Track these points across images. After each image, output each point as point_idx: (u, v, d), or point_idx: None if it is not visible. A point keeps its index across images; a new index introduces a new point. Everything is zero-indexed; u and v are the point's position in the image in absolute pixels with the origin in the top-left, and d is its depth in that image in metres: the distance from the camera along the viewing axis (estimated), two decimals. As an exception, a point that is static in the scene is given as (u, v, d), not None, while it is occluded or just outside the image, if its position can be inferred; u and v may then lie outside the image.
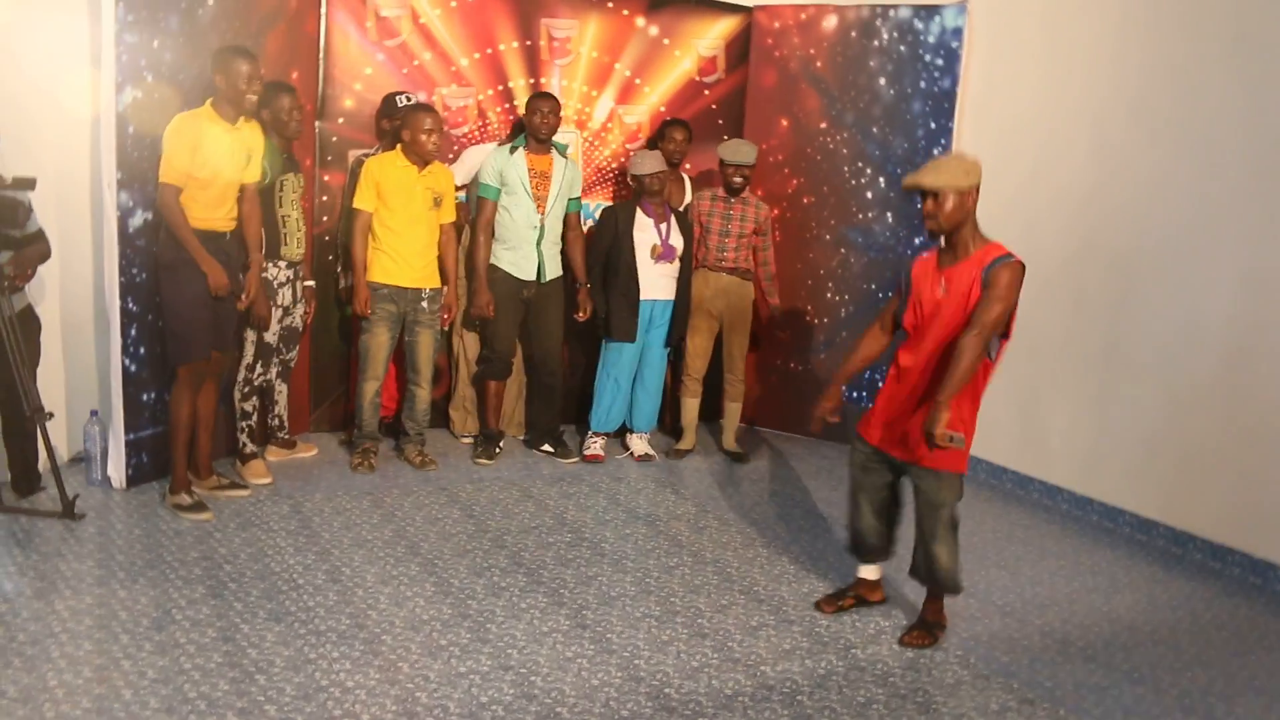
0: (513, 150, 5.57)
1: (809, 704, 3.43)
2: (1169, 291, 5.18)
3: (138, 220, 4.67)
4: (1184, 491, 5.14)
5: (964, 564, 4.75)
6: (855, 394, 6.52)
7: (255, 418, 5.26)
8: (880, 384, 4.03)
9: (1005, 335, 3.70)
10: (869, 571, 4.21)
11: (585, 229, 6.18)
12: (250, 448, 5.24)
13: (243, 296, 4.80)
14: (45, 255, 4.58)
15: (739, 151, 5.89)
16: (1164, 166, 5.20)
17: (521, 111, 6.07)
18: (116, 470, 4.86)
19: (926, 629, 3.96)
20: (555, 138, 5.69)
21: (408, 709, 3.20)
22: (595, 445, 6.05)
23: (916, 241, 6.18)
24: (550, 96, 5.62)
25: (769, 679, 3.58)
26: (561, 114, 5.69)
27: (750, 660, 3.71)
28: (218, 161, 4.48)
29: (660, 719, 3.26)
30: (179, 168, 4.40)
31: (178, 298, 4.52)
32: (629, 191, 6.06)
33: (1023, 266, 3.61)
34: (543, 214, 5.63)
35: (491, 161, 5.58)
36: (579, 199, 5.82)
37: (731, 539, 4.93)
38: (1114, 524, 5.49)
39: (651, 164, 5.73)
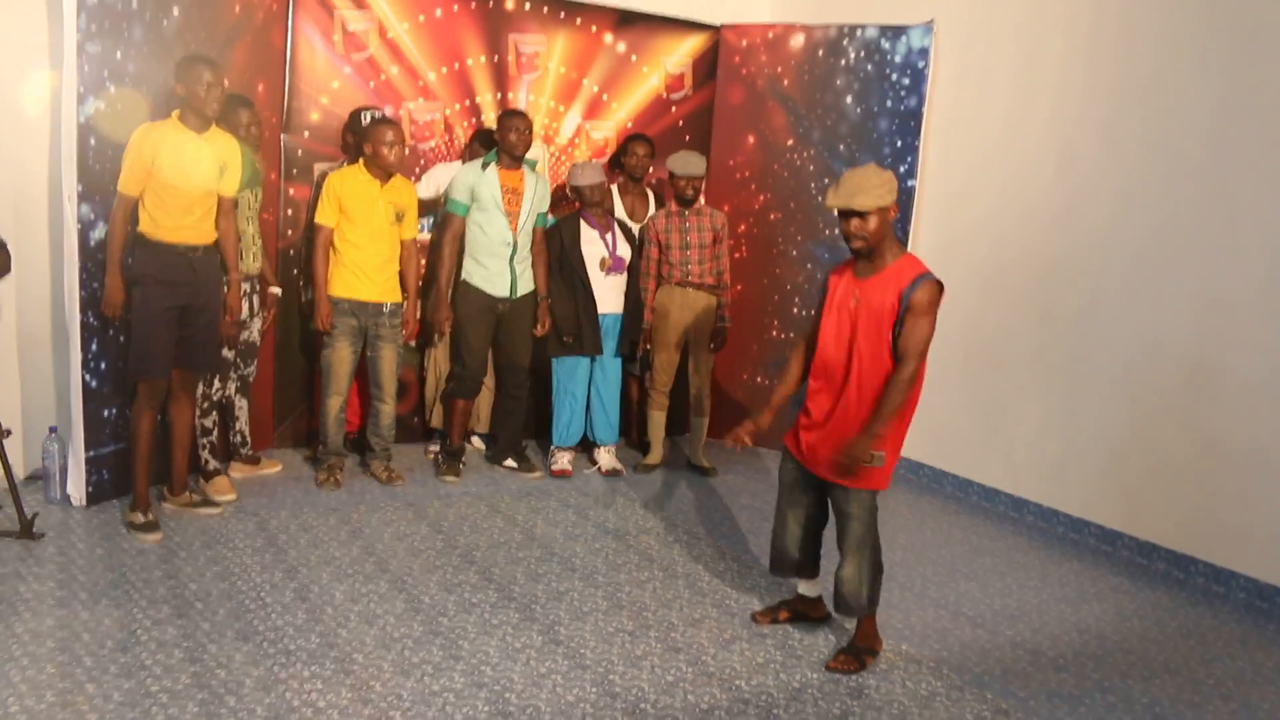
0: (484, 166, 5.54)
1: (785, 717, 3.42)
2: (1133, 307, 5.25)
3: (99, 233, 4.59)
4: (1148, 503, 5.20)
5: (925, 579, 4.80)
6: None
7: (216, 433, 5.18)
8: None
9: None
10: (807, 588, 4.14)
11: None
12: (213, 464, 5.16)
13: (226, 317, 4.80)
14: (3, 269, 4.47)
15: (689, 163, 5.90)
16: (1129, 185, 5.27)
17: (488, 125, 6.06)
18: (76, 488, 4.76)
19: (854, 654, 3.84)
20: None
21: (382, 728, 3.15)
22: (562, 460, 6.02)
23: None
24: (523, 114, 5.59)
25: (744, 693, 3.57)
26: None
27: (725, 674, 3.69)
28: (181, 170, 4.40)
29: (637, 735, 3.24)
30: (134, 177, 4.36)
31: (142, 313, 4.46)
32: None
33: (941, 286, 3.61)
34: (515, 231, 5.61)
35: (463, 178, 5.54)
36: (546, 214, 5.81)
37: (702, 552, 4.91)
38: (1080, 535, 5.54)
39: (590, 175, 5.73)
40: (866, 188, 3.56)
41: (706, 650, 3.87)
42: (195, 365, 4.70)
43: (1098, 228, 5.41)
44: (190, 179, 4.45)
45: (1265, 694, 3.90)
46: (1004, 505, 5.97)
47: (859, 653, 3.85)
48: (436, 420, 6.20)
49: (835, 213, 3.69)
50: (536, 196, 5.66)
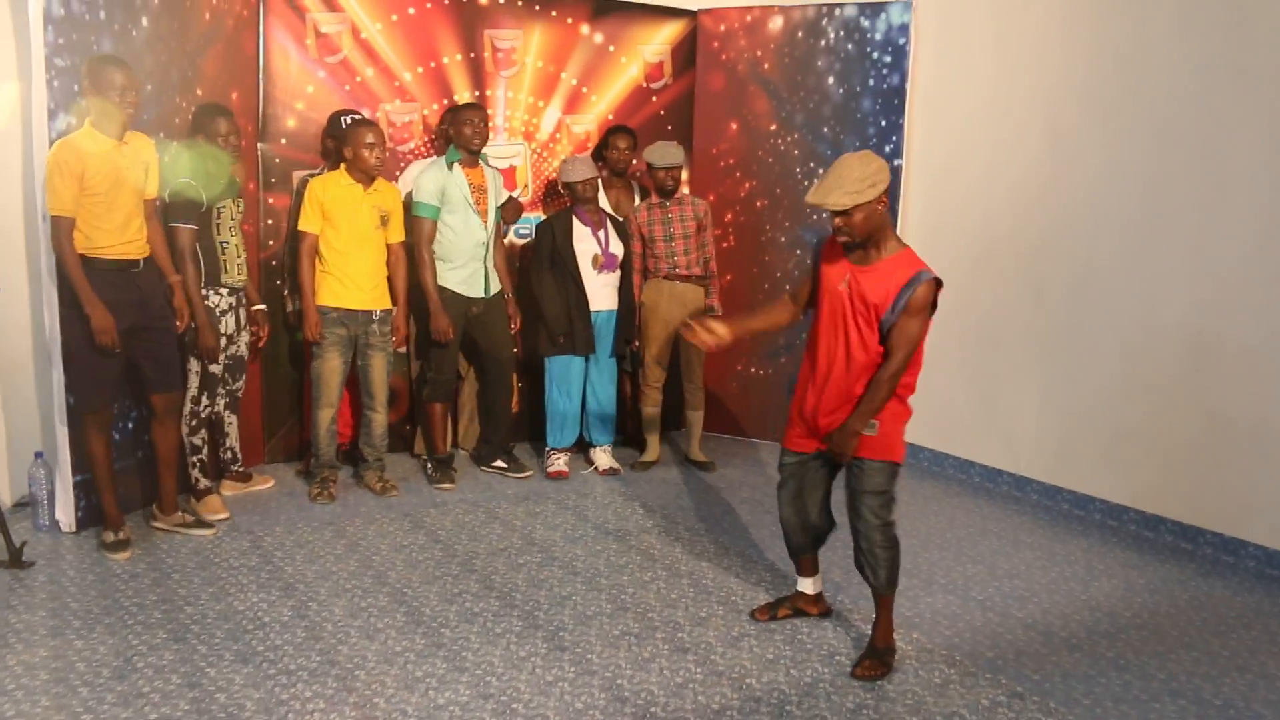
0: (449, 165, 5.43)
1: (798, 713, 3.36)
2: (1128, 278, 5.19)
3: (76, 252, 4.48)
4: (1153, 476, 5.15)
5: (932, 564, 4.75)
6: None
7: (205, 451, 5.09)
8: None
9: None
10: (806, 585, 4.06)
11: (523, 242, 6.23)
12: (204, 483, 5.07)
13: (178, 323, 4.64)
14: None
15: (667, 154, 5.82)
16: (1117, 155, 5.21)
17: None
18: (65, 513, 4.67)
19: (877, 657, 3.71)
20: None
21: (388, 746, 3.08)
22: (558, 461, 5.94)
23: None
24: (478, 106, 5.52)
25: (755, 691, 3.50)
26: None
27: (735, 673, 3.63)
28: (112, 182, 4.22)
29: (649, 740, 3.18)
30: (66, 197, 4.13)
31: (80, 341, 4.29)
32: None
33: (939, 283, 3.49)
34: (487, 228, 5.53)
35: (431, 178, 5.40)
36: (499, 209, 5.71)
37: (705, 549, 4.85)
38: (1085, 511, 5.49)
39: (583, 170, 5.64)
40: (845, 183, 3.43)
41: (715, 649, 3.80)
42: (167, 385, 4.59)
43: (1087, 199, 5.35)
44: (124, 188, 4.27)
45: (1282, 665, 3.86)
46: (1007, 485, 5.91)
47: (881, 655, 3.72)
48: (420, 444, 6.09)
49: None
50: (496, 190, 5.58)
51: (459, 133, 5.41)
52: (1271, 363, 4.65)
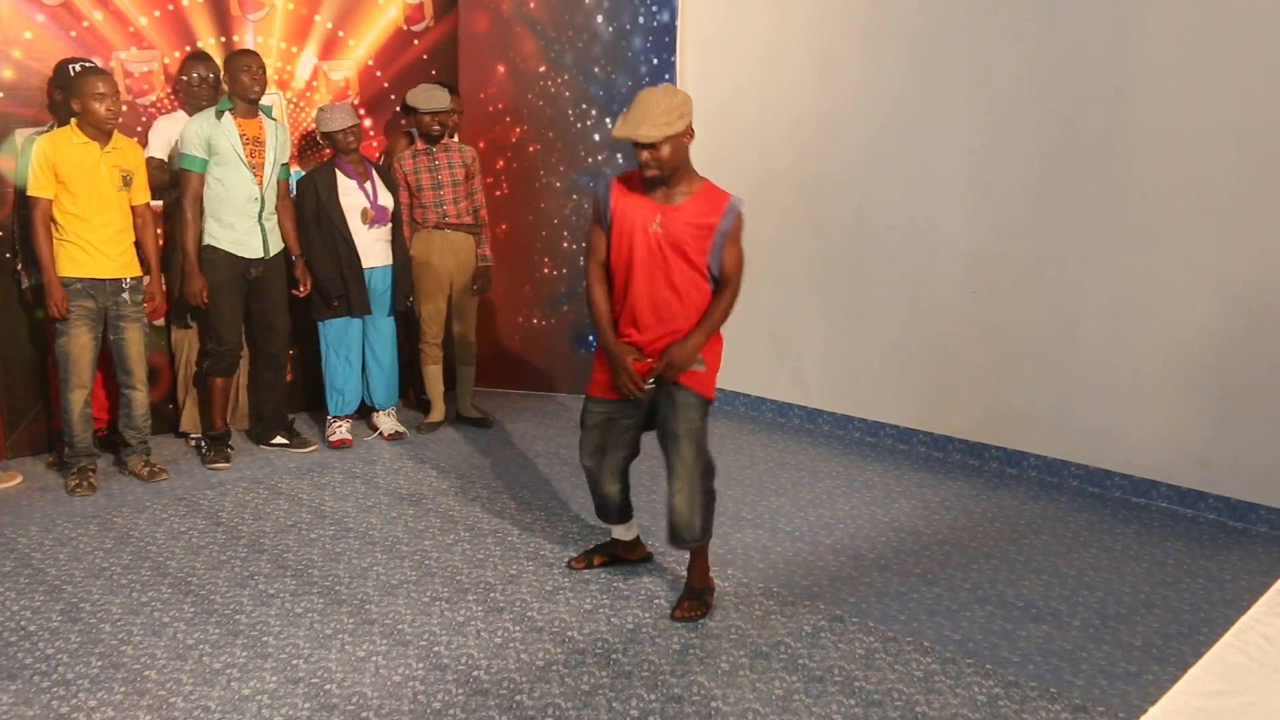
0: (219, 115, 5.04)
1: (625, 660, 3.30)
2: (907, 207, 5.34)
3: None
4: (939, 398, 5.35)
5: (737, 501, 4.78)
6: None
7: (-62, 449, 4.53)
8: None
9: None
10: (619, 532, 3.98)
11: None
12: (-63, 485, 4.51)
13: None
14: None
15: (432, 98, 5.56)
16: (891, 86, 5.33)
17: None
18: None
19: (695, 598, 3.67)
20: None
21: (192, 749, 2.80)
22: (340, 430, 5.64)
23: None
24: (254, 53, 5.18)
25: (579, 643, 3.42)
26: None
27: (555, 627, 3.54)
28: None
29: (475, 704, 3.03)
30: None
31: None
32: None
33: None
34: (261, 184, 5.15)
35: (196, 129, 5.04)
36: (288, 165, 5.37)
37: (505, 506, 4.71)
38: (876, 438, 5.65)
39: (342, 118, 5.34)
40: (653, 115, 3.34)
41: (530, 605, 3.70)
42: None
43: (863, 131, 5.46)
44: None
45: (1070, 561, 4.10)
46: (799, 418, 6.03)
47: (699, 595, 3.69)
48: (188, 423, 5.63)
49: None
50: (278, 145, 5.23)
51: (235, 80, 5.08)
52: (1042, 283, 4.89)
